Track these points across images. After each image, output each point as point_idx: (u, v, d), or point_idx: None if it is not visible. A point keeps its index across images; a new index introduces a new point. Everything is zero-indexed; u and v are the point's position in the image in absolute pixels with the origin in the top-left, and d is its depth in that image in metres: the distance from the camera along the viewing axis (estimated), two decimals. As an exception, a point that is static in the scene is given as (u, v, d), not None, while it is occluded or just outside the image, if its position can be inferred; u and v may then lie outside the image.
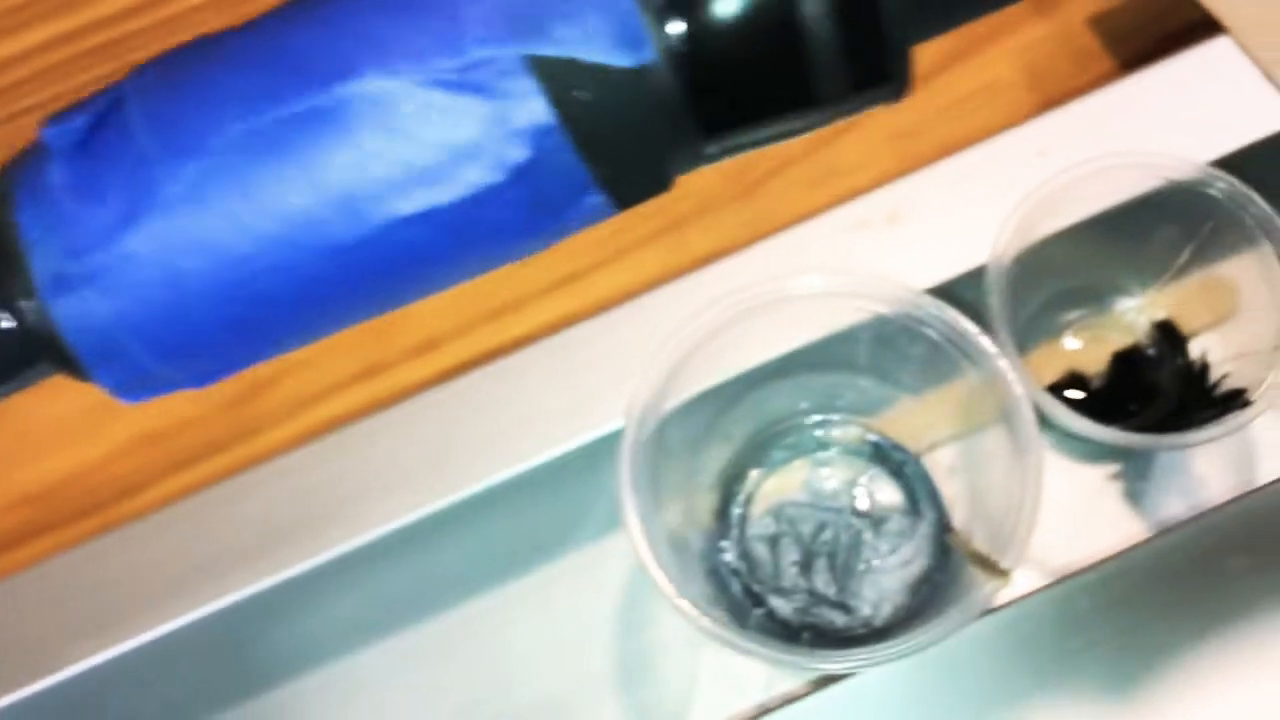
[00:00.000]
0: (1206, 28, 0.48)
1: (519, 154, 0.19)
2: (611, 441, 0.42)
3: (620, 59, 0.18)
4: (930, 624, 0.35)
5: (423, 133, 0.19)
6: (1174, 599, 0.38)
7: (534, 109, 0.19)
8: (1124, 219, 0.43)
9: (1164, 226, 0.43)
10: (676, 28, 0.18)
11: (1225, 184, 0.40)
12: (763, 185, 0.54)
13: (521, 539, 0.46)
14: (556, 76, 0.18)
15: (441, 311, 0.54)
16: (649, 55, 0.18)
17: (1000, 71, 0.54)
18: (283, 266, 0.19)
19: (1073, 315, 0.47)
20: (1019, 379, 0.38)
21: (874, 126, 0.54)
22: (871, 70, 0.19)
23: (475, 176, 0.19)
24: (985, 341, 0.38)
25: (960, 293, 0.43)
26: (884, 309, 0.40)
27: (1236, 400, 0.40)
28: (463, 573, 0.46)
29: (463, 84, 0.18)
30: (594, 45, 0.18)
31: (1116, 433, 0.39)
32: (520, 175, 0.19)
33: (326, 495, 0.45)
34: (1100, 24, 0.54)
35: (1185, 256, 0.44)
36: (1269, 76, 0.44)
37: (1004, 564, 0.35)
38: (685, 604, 0.36)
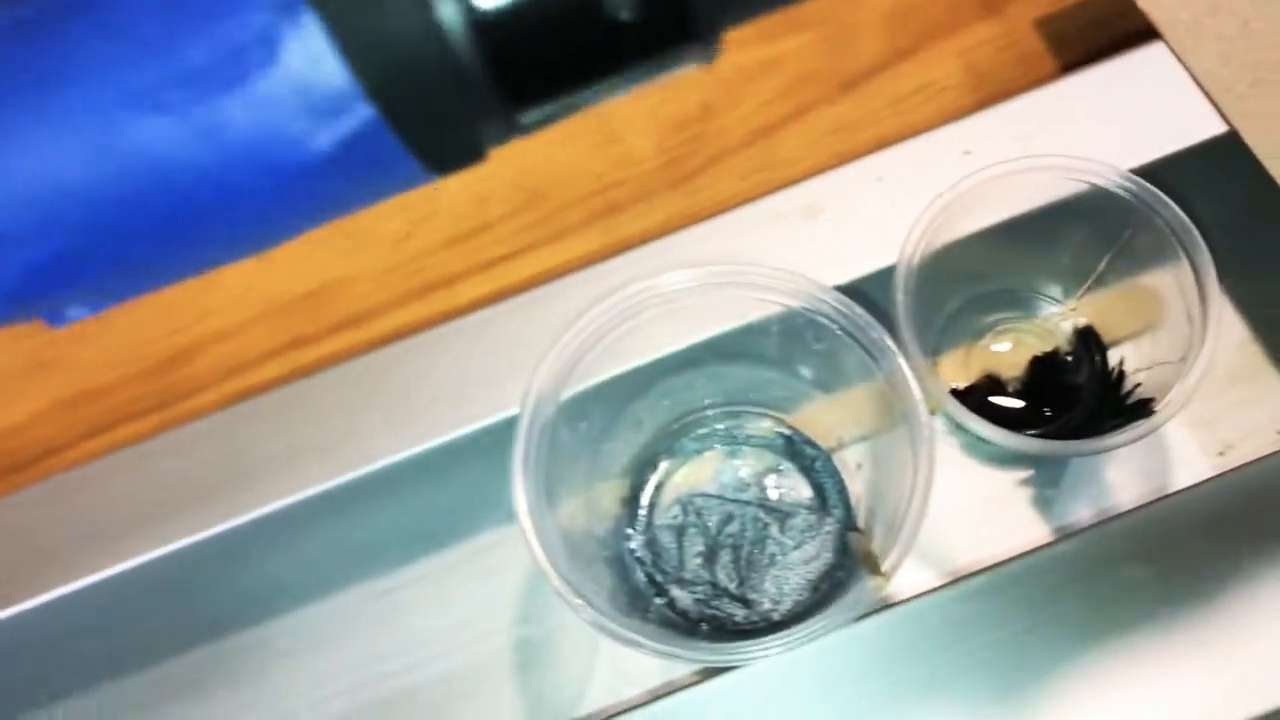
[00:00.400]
0: (1152, 33, 0.47)
1: (323, 121, 0.19)
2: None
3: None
4: (811, 621, 0.35)
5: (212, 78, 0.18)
6: (1067, 605, 0.38)
7: (332, 72, 0.18)
8: (1045, 223, 0.43)
9: (1085, 232, 0.42)
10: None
11: (1143, 191, 0.40)
12: (699, 175, 0.53)
13: (429, 518, 0.45)
14: (354, 41, 0.18)
15: (371, 287, 0.53)
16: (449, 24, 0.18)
17: (943, 71, 0.54)
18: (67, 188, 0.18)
19: (995, 318, 0.46)
20: (917, 381, 0.37)
21: (812, 121, 0.53)
22: (674, 26, 0.19)
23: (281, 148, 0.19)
24: (888, 341, 0.38)
25: (873, 291, 0.42)
26: (791, 303, 0.40)
27: (1144, 409, 0.39)
28: (368, 548, 0.45)
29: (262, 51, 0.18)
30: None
31: (1018, 438, 0.39)
32: (321, 137, 0.19)
33: (235, 464, 0.44)
34: (1046, 26, 0.54)
35: (1105, 263, 0.43)
36: (1199, 83, 0.44)
37: (884, 566, 0.35)
38: (563, 586, 0.36)
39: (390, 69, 0.18)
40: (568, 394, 0.40)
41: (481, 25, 0.18)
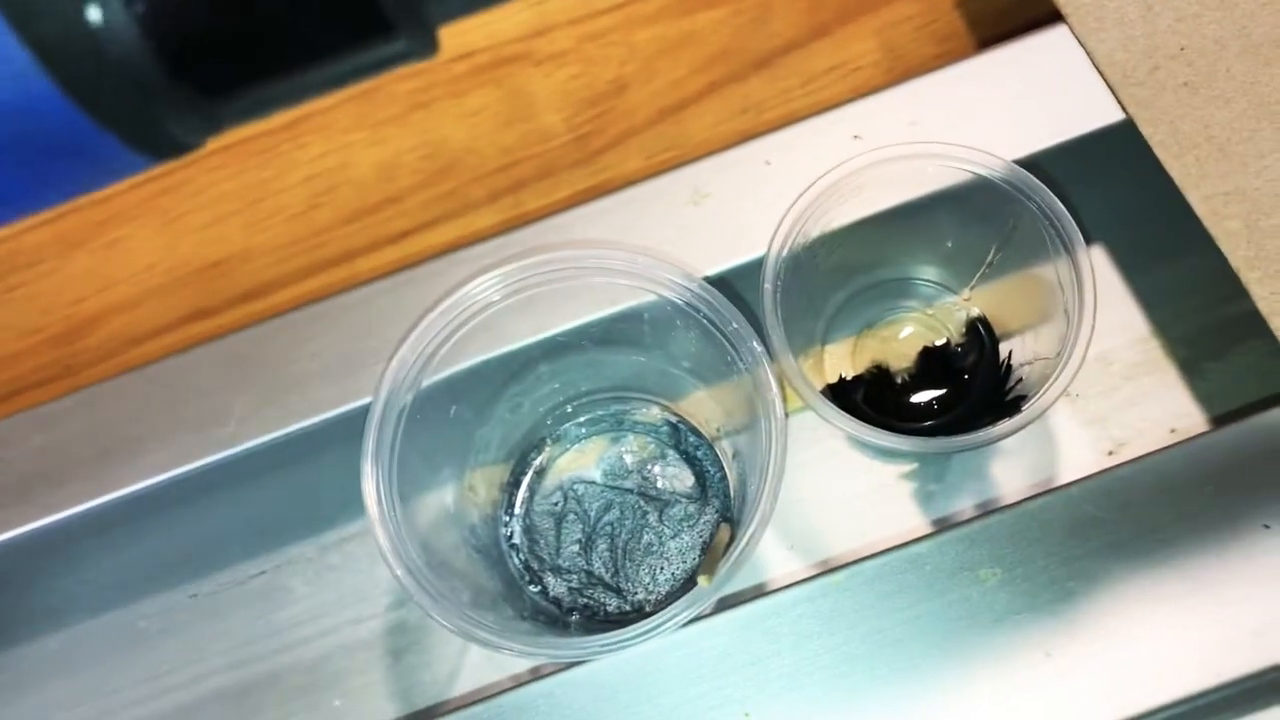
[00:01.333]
0: (1060, 16, 0.46)
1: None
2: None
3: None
4: (664, 614, 0.34)
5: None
6: (919, 603, 0.37)
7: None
8: (932, 211, 0.41)
9: (971, 221, 0.41)
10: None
11: (1021, 180, 0.38)
12: (606, 152, 0.52)
13: (305, 500, 0.45)
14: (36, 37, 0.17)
15: (271, 261, 0.53)
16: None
17: (860, 49, 0.52)
18: None
19: (888, 306, 0.45)
20: (782, 376, 0.37)
21: (723, 98, 0.52)
22: (370, 22, 0.18)
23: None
24: (748, 334, 0.37)
25: (749, 279, 0.41)
26: (660, 291, 0.39)
27: (1016, 408, 0.38)
28: (243, 529, 0.45)
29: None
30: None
31: (877, 434, 0.37)
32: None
33: (109, 439, 0.44)
34: (968, 5, 0.52)
35: (994, 253, 0.42)
36: (1099, 69, 0.43)
37: (705, 576, 0.34)
38: (408, 579, 0.35)
39: (71, 64, 0.18)
40: (434, 378, 0.39)
41: (146, 18, 0.17)
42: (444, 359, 0.39)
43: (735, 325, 0.37)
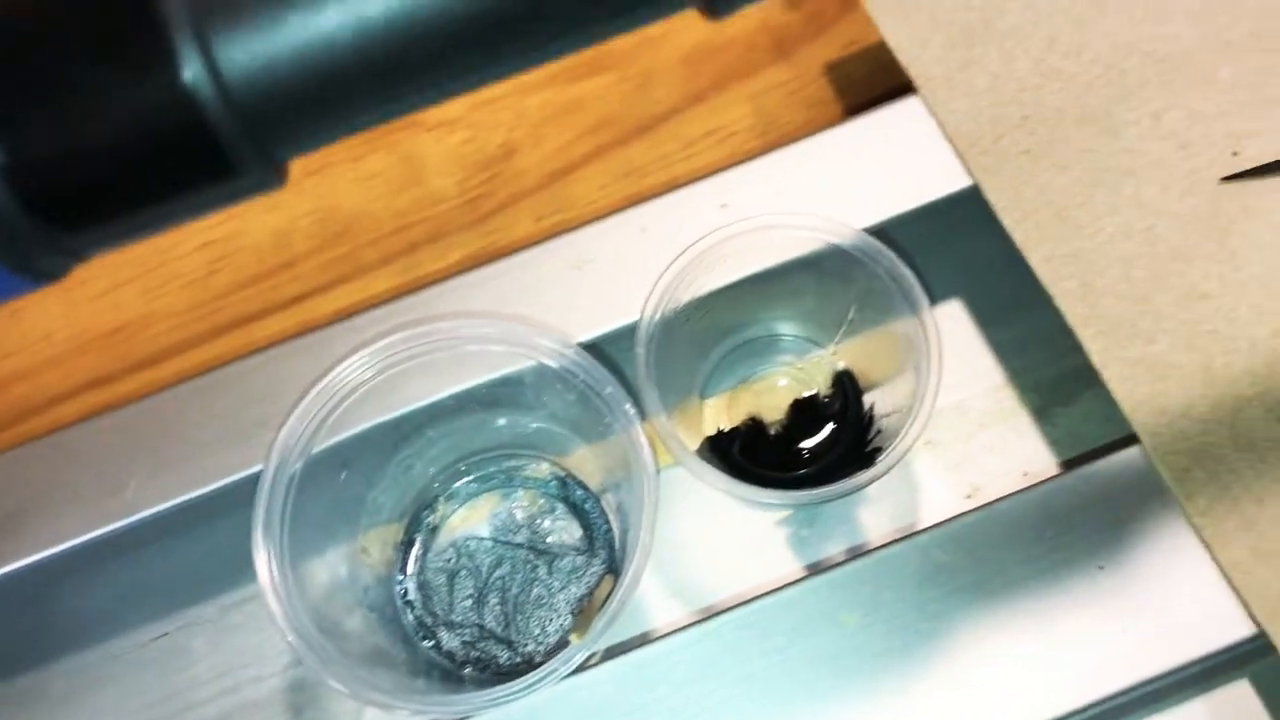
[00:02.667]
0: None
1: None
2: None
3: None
4: (533, 673, 0.36)
5: None
6: (787, 649, 0.40)
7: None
8: (795, 275, 0.44)
9: (831, 283, 0.44)
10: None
11: (869, 247, 0.41)
12: (495, 215, 0.54)
13: (205, 563, 0.46)
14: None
15: (170, 327, 0.54)
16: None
17: (735, 114, 0.55)
18: None
19: (762, 361, 0.48)
20: (655, 436, 0.39)
21: (607, 163, 0.55)
22: (215, 164, 0.20)
23: None
24: (621, 397, 0.39)
25: (626, 343, 0.44)
26: (540, 358, 0.41)
27: (874, 459, 0.41)
28: (145, 592, 0.46)
29: None
30: None
31: (745, 489, 0.40)
32: None
33: (4, 508, 0.45)
34: (835, 72, 0.56)
35: (853, 312, 0.45)
36: (948, 138, 0.46)
37: (580, 634, 0.36)
38: (298, 643, 0.37)
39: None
40: (324, 445, 0.41)
41: (6, 169, 0.19)
42: (333, 426, 0.41)
43: (610, 389, 0.39)
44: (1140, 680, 0.37)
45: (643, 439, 0.39)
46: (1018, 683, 0.38)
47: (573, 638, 0.36)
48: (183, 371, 0.52)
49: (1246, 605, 0.37)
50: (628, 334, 0.45)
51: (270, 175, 0.21)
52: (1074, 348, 0.46)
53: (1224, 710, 0.39)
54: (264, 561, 0.38)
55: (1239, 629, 0.37)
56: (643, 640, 0.43)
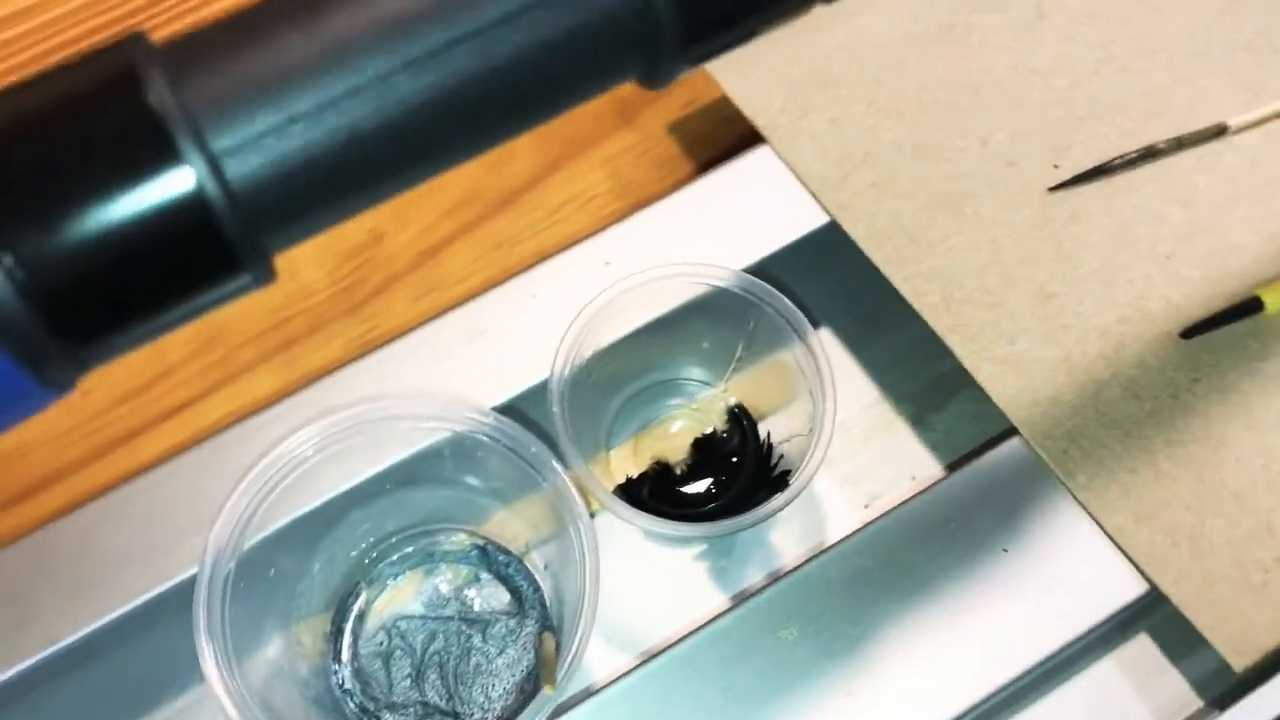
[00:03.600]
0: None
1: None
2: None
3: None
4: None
5: None
6: (732, 674, 0.42)
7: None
8: (684, 320, 0.47)
9: (718, 324, 0.47)
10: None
11: (756, 287, 0.44)
12: (371, 300, 0.55)
13: (128, 684, 0.45)
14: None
15: (51, 451, 0.52)
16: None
17: (592, 180, 0.58)
18: None
19: (659, 407, 0.50)
20: (590, 486, 0.41)
21: (477, 238, 0.56)
22: (223, 265, 0.21)
23: None
24: (546, 454, 0.41)
25: (536, 403, 0.45)
26: (456, 427, 0.42)
27: (784, 482, 0.44)
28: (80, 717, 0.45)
29: None
30: None
31: (673, 526, 0.42)
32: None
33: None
34: (680, 130, 0.59)
35: (741, 349, 0.48)
36: (800, 179, 0.49)
37: (549, 683, 0.37)
38: (262, 744, 0.36)
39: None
40: (250, 543, 0.41)
41: (25, 285, 0.20)
42: (259, 523, 0.41)
43: (535, 448, 0.41)
44: (1058, 648, 0.41)
45: (573, 490, 0.40)
46: (950, 667, 0.41)
47: (546, 689, 0.37)
48: (70, 498, 0.51)
49: (1135, 564, 0.41)
50: (532, 396, 0.46)
51: (266, 270, 0.22)
52: (938, 358, 0.50)
53: (1130, 663, 0.42)
54: (211, 664, 0.37)
55: (1134, 588, 0.41)
56: (586, 694, 0.44)
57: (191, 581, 0.44)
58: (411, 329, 0.49)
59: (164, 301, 0.21)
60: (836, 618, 0.42)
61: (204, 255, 0.21)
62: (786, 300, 0.44)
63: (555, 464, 0.41)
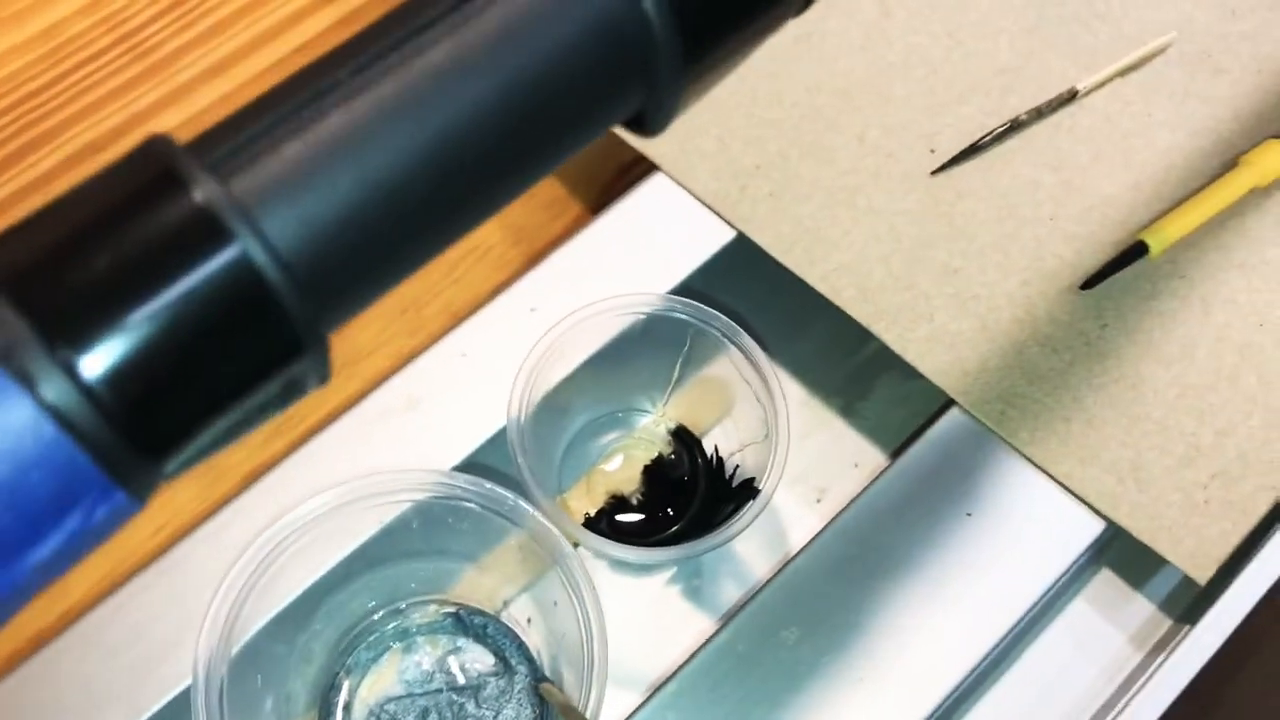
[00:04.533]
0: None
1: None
2: (187, 700, 0.40)
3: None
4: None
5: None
6: (746, 684, 0.42)
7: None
8: (620, 352, 0.47)
9: (653, 350, 0.48)
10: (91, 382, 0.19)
11: (688, 307, 0.45)
12: (286, 389, 0.54)
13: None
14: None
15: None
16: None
17: (486, 233, 0.58)
18: None
19: (603, 441, 0.51)
20: (561, 524, 0.41)
21: (380, 307, 0.56)
22: (299, 372, 0.21)
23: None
24: (520, 501, 0.41)
25: (490, 456, 0.45)
26: (422, 496, 0.41)
27: (749, 490, 0.45)
28: None
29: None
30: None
31: (656, 552, 0.42)
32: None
33: None
34: (560, 172, 0.60)
35: (678, 370, 0.49)
36: (702, 201, 0.51)
37: (589, 710, 0.37)
38: None
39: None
40: (235, 649, 0.39)
41: (101, 403, 0.19)
42: (240, 627, 0.39)
43: (508, 501, 0.41)
44: (1037, 595, 0.43)
45: (552, 528, 0.40)
46: (947, 633, 0.43)
47: (584, 730, 0.37)
48: (14, 651, 0.48)
49: (1089, 504, 0.44)
50: (484, 452, 0.46)
51: (323, 354, 0.22)
52: (853, 350, 0.52)
53: (1099, 598, 0.45)
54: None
55: (1093, 527, 0.44)
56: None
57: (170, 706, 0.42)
58: (344, 409, 0.48)
59: (233, 392, 0.21)
60: (831, 610, 0.43)
61: (264, 332, 0.20)
62: (722, 316, 0.45)
63: (528, 507, 0.41)
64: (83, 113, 0.62)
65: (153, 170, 0.20)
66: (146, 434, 0.20)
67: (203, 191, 0.20)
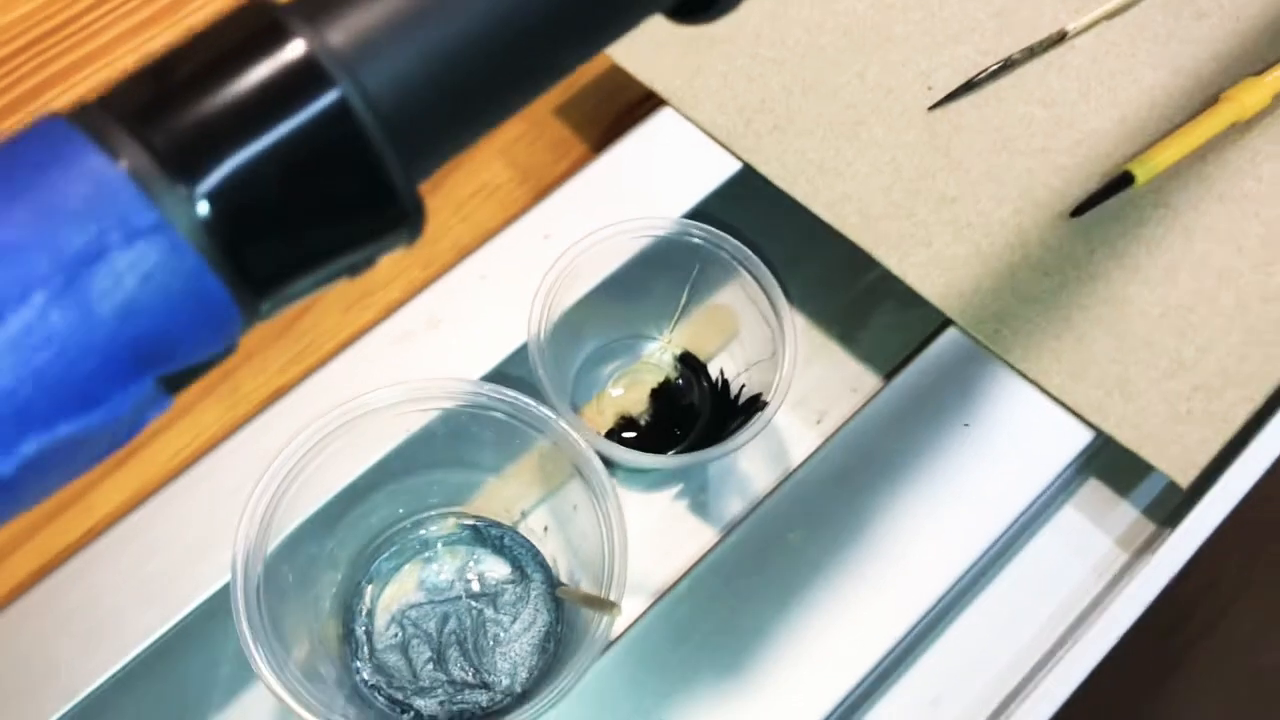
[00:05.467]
0: (653, 98, 0.56)
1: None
2: (222, 597, 0.42)
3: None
4: (562, 673, 0.39)
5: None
6: (753, 582, 0.44)
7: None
8: (631, 277, 0.49)
9: (663, 275, 0.50)
10: (208, 215, 0.20)
11: (700, 230, 0.47)
12: (301, 319, 0.55)
13: (165, 715, 0.44)
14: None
15: (-4, 524, 0.50)
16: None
17: (492, 171, 0.60)
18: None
19: (611, 366, 0.53)
20: (580, 434, 0.43)
21: (393, 241, 0.57)
22: (391, 218, 0.22)
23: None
24: (544, 409, 0.43)
25: (511, 372, 0.47)
26: (449, 404, 0.43)
27: (756, 404, 0.47)
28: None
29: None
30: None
31: (668, 459, 0.45)
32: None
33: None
34: (565, 113, 0.61)
35: (685, 296, 0.51)
36: (708, 133, 0.53)
37: (611, 597, 0.39)
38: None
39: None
40: (271, 547, 0.41)
41: (218, 234, 0.21)
42: (275, 526, 0.41)
43: (532, 408, 0.43)
44: (1030, 500, 0.45)
45: (574, 434, 0.42)
46: (943, 534, 0.45)
47: (611, 614, 0.39)
48: (29, 569, 0.49)
49: (1080, 416, 0.46)
50: (509, 364, 0.48)
51: (415, 204, 0.23)
52: (851, 281, 0.54)
53: (1087, 505, 0.47)
54: (265, 669, 0.38)
55: (1082, 437, 0.46)
56: (609, 641, 0.46)
57: (199, 609, 0.44)
58: (367, 331, 0.50)
59: (332, 234, 0.23)
60: (834, 515, 0.46)
61: (360, 175, 0.22)
62: (735, 240, 0.47)
63: (551, 414, 0.43)
64: (95, 54, 0.63)
65: (259, 23, 0.22)
66: (253, 267, 0.22)
67: (307, 42, 0.22)
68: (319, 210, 0.22)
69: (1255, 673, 0.94)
